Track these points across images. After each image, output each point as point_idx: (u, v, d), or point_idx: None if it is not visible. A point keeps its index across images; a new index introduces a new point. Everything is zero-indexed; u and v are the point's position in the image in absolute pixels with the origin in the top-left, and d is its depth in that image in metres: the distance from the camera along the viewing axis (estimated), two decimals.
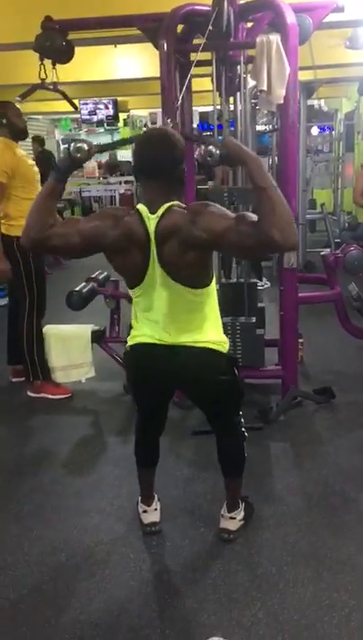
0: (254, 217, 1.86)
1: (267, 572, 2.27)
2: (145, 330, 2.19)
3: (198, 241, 1.94)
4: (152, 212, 2.00)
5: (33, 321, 3.82)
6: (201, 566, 2.33)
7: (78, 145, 1.98)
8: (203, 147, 1.96)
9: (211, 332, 2.18)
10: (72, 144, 1.99)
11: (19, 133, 3.78)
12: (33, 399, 3.93)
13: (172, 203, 2.01)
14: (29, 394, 3.95)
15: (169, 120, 2.55)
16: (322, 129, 10.98)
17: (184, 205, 2.04)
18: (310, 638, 1.96)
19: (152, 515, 2.54)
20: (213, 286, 2.16)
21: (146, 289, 2.09)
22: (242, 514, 2.49)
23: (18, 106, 3.81)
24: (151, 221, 2.00)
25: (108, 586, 2.24)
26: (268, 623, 2.02)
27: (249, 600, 2.13)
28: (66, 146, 2.06)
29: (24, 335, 3.82)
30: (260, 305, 3.83)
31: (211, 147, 1.95)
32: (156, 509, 2.55)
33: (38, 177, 3.86)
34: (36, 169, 3.89)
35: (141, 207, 2.03)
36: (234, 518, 2.46)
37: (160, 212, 1.99)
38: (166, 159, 2.02)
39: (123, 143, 2.82)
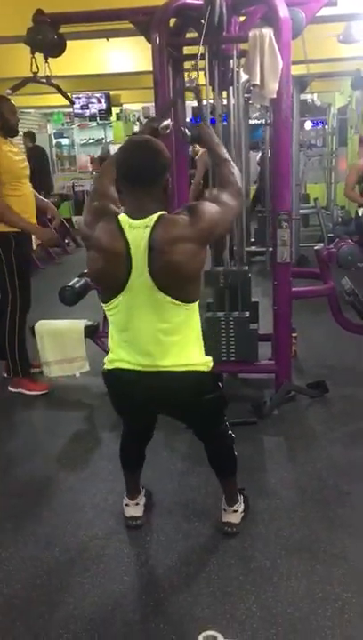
0: (222, 195, 2.16)
1: (261, 565, 2.28)
2: (122, 354, 2.12)
3: (205, 237, 2.00)
4: (137, 218, 1.95)
5: (15, 317, 3.79)
6: (195, 560, 2.34)
7: (165, 123, 2.42)
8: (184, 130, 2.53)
9: (194, 354, 2.13)
10: (161, 124, 2.41)
11: (9, 130, 3.74)
12: (27, 395, 3.92)
13: (162, 212, 1.98)
14: (10, 389, 3.96)
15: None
16: (315, 123, 10.99)
17: (172, 215, 2.01)
18: (303, 631, 1.97)
19: (133, 509, 2.54)
20: (197, 305, 2.11)
21: (124, 304, 2.02)
22: (242, 506, 2.50)
23: (10, 101, 3.77)
24: (136, 230, 1.94)
25: (103, 580, 2.25)
26: (262, 616, 2.03)
27: (243, 593, 2.14)
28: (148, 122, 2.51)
29: (6, 331, 3.81)
30: (253, 299, 3.82)
31: (185, 129, 2.54)
32: (137, 504, 2.55)
33: (27, 172, 3.84)
34: (24, 164, 3.85)
35: (122, 217, 1.99)
36: (236, 511, 2.47)
37: (151, 221, 1.94)
38: (152, 165, 1.99)
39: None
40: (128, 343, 2.09)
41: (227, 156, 2.36)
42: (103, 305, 2.10)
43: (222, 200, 2.12)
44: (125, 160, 2.01)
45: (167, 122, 2.46)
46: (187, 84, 2.76)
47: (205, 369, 2.16)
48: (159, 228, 1.94)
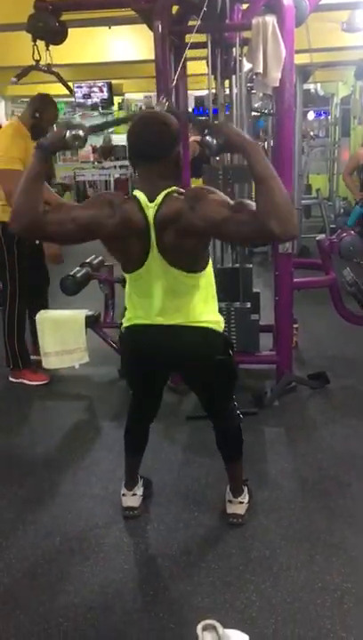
0: (253, 205, 1.84)
1: (261, 555, 2.28)
2: (139, 312, 2.18)
3: (197, 229, 1.93)
4: (151, 199, 1.96)
5: (15, 308, 3.78)
6: (195, 550, 2.35)
7: (74, 133, 1.96)
8: (203, 138, 1.93)
9: (208, 313, 2.17)
10: (67, 131, 1.97)
11: (38, 133, 3.56)
12: (27, 385, 3.92)
13: (170, 189, 1.98)
14: (10, 379, 3.96)
15: (164, 99, 2.50)
16: (318, 114, 10.93)
17: (183, 190, 2.01)
18: (302, 621, 1.97)
19: (130, 499, 2.55)
20: (210, 268, 2.15)
21: (143, 275, 2.07)
22: (247, 497, 2.51)
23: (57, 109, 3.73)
24: (150, 209, 1.97)
25: (102, 569, 2.25)
26: (261, 606, 2.04)
27: (243, 583, 2.14)
28: (59, 128, 2.03)
29: (6, 322, 3.80)
30: (255, 290, 3.82)
31: (207, 137, 1.91)
32: (135, 495, 2.55)
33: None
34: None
35: (139, 194, 1.99)
36: (242, 502, 2.48)
37: (159, 198, 1.96)
38: (162, 140, 1.98)
39: (115, 123, 2.79)
40: (146, 305, 2.14)
41: (273, 169, 1.85)
42: (125, 273, 2.13)
43: (245, 211, 1.85)
44: (135, 137, 2.00)
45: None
46: (157, 109, 2.41)
47: (218, 328, 2.20)
48: (163, 206, 1.96)
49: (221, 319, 2.23)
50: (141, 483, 2.59)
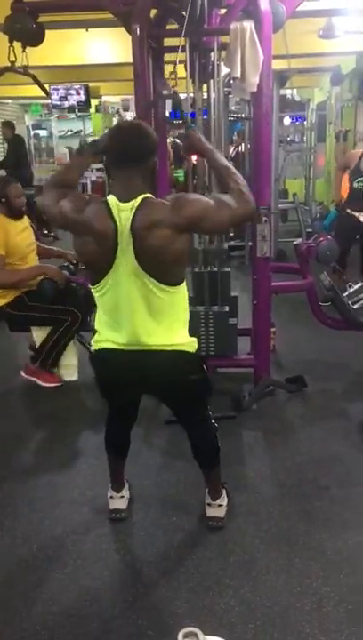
0: (225, 197, 2.05)
1: (239, 559, 2.28)
2: (108, 334, 2.13)
3: (183, 227, 1.96)
4: (124, 201, 1.96)
5: (74, 327, 3.81)
6: (174, 555, 2.34)
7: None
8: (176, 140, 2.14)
9: (180, 334, 2.14)
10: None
11: (15, 213, 3.82)
12: (5, 389, 3.88)
13: (146, 194, 1.98)
14: (22, 373, 3.93)
15: (168, 83, 2.57)
16: (294, 119, 11.01)
17: (157, 199, 2.01)
18: (281, 625, 1.97)
19: (117, 501, 2.53)
20: (184, 286, 2.12)
21: (111, 286, 2.03)
22: (226, 499, 2.51)
23: (17, 185, 3.88)
24: (123, 212, 1.95)
25: (81, 576, 2.23)
26: (240, 611, 2.03)
27: (222, 588, 2.14)
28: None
29: (57, 330, 3.79)
30: (233, 294, 3.82)
31: (177, 140, 2.15)
32: (122, 497, 2.54)
33: (33, 247, 3.95)
34: (30, 240, 3.94)
35: (111, 198, 1.99)
36: (221, 505, 2.48)
37: (135, 202, 1.95)
38: (140, 147, 2.01)
39: None
40: (115, 324, 2.10)
41: (227, 163, 2.20)
42: (92, 287, 2.11)
43: (221, 199, 2.05)
44: (115, 140, 2.04)
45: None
46: (165, 92, 2.63)
47: (191, 349, 2.17)
48: (141, 210, 1.95)
49: (193, 339, 2.19)
50: (127, 485, 2.58)
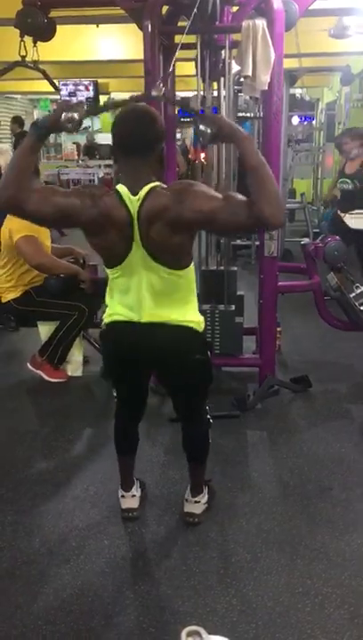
0: (241, 196, 1.91)
1: (242, 559, 2.28)
2: (119, 309, 2.17)
3: (187, 221, 1.94)
4: (133, 193, 1.96)
5: (81, 323, 3.80)
6: (176, 553, 2.33)
7: (70, 115, 1.93)
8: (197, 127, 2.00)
9: (189, 312, 2.17)
10: (63, 113, 1.93)
11: (48, 225, 3.78)
12: (11, 384, 3.88)
13: (154, 183, 1.98)
14: (28, 365, 3.93)
15: (161, 84, 2.49)
16: (303, 118, 10.98)
17: (166, 186, 2.01)
18: (283, 625, 1.97)
19: (129, 500, 2.53)
20: (192, 267, 2.14)
21: (125, 270, 2.07)
22: (206, 497, 2.51)
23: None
24: (133, 203, 1.96)
25: (83, 572, 2.23)
26: (242, 610, 2.03)
27: (224, 587, 2.14)
28: (56, 109, 1.99)
29: (65, 325, 3.79)
30: (239, 293, 3.82)
31: (201, 126, 1.98)
32: (133, 495, 2.54)
33: (49, 246, 3.94)
34: (48, 243, 3.93)
35: (121, 188, 1.98)
36: (199, 502, 2.48)
37: (142, 193, 1.95)
38: (147, 134, 1.98)
39: (112, 106, 2.79)
40: (127, 301, 2.14)
41: (262, 158, 1.91)
42: (107, 269, 2.13)
43: (235, 199, 1.90)
44: (120, 129, 2.00)
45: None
46: (154, 93, 2.44)
47: (198, 328, 2.19)
48: (147, 200, 1.95)
49: (201, 319, 2.22)
50: (137, 484, 2.58)
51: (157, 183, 1.99)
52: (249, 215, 1.85)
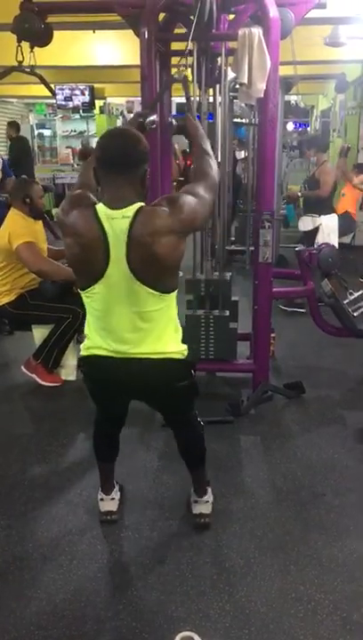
0: (198, 186, 2.10)
1: (235, 564, 2.28)
2: (98, 341, 2.12)
3: (185, 230, 1.98)
4: (114, 208, 1.94)
5: (75, 325, 3.79)
6: (169, 558, 2.33)
7: (151, 119, 2.44)
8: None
9: (171, 343, 2.14)
10: (147, 119, 2.41)
11: (37, 213, 3.91)
12: (5, 387, 3.87)
13: (141, 204, 1.96)
14: (23, 368, 3.93)
15: (182, 69, 2.81)
16: (298, 125, 11.05)
17: (151, 207, 1.99)
18: (276, 631, 1.97)
19: (108, 503, 2.53)
20: (175, 294, 2.11)
21: (102, 292, 2.01)
22: (212, 496, 2.52)
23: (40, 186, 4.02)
24: (114, 220, 1.93)
25: (75, 577, 2.23)
26: (235, 615, 2.03)
27: (217, 592, 2.14)
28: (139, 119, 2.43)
29: (59, 328, 3.80)
30: (233, 298, 3.83)
31: (171, 119, 2.35)
32: (113, 499, 2.54)
33: (45, 249, 3.97)
34: (45, 245, 3.97)
35: (100, 206, 1.97)
36: (207, 502, 2.50)
37: (128, 211, 1.93)
38: (131, 153, 1.98)
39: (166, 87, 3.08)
40: (105, 330, 2.10)
41: (209, 149, 2.31)
42: (81, 292, 2.09)
43: (199, 193, 2.07)
44: (104, 147, 2.01)
45: (154, 117, 2.47)
46: (176, 76, 2.67)
47: (180, 357, 2.17)
48: (140, 219, 1.93)
49: (184, 347, 2.19)
50: (117, 487, 2.58)
51: (142, 204, 1.98)
52: (208, 200, 2.08)
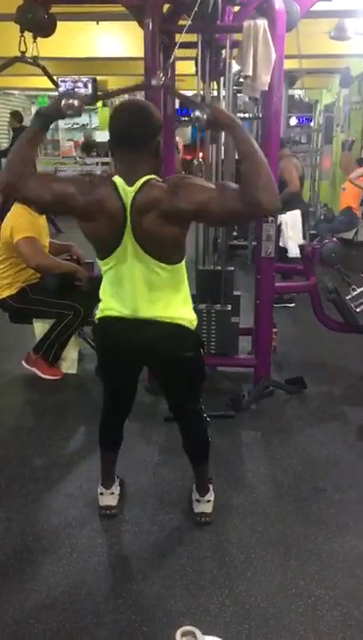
0: (234, 184, 1.94)
1: (235, 559, 2.28)
2: (112, 304, 2.17)
3: (183, 212, 1.94)
4: (129, 185, 1.97)
5: (76, 322, 3.80)
6: (169, 552, 2.33)
7: (70, 101, 1.97)
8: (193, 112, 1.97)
9: (181, 309, 2.17)
10: (63, 100, 1.98)
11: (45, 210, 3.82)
12: (6, 381, 3.86)
13: (149, 176, 1.98)
14: (23, 363, 3.92)
15: (161, 73, 2.48)
16: (301, 120, 11.00)
17: (161, 179, 2.01)
18: (276, 626, 1.97)
19: (108, 498, 2.53)
20: (183, 264, 2.13)
21: (117, 262, 2.07)
22: (213, 495, 2.51)
23: None
24: (128, 194, 1.96)
25: (75, 570, 2.22)
26: (235, 610, 2.03)
27: (217, 587, 2.13)
28: (58, 96, 2.04)
29: (60, 324, 3.79)
30: (235, 293, 3.82)
31: (197, 112, 1.95)
32: (113, 493, 2.54)
33: (47, 244, 3.93)
34: (47, 240, 3.94)
35: (117, 179, 1.99)
36: (209, 501, 2.49)
37: (137, 184, 1.96)
38: (144, 127, 1.98)
39: (112, 94, 2.77)
40: (118, 295, 2.14)
41: (257, 145, 1.91)
42: (99, 260, 2.14)
43: (229, 188, 1.92)
44: (117, 123, 2.00)
45: (73, 101, 2.32)
46: (153, 82, 2.47)
47: (190, 326, 2.19)
48: (141, 192, 1.95)
49: (194, 317, 2.22)
50: (117, 482, 2.57)
51: (153, 176, 1.99)
52: (244, 202, 1.85)
